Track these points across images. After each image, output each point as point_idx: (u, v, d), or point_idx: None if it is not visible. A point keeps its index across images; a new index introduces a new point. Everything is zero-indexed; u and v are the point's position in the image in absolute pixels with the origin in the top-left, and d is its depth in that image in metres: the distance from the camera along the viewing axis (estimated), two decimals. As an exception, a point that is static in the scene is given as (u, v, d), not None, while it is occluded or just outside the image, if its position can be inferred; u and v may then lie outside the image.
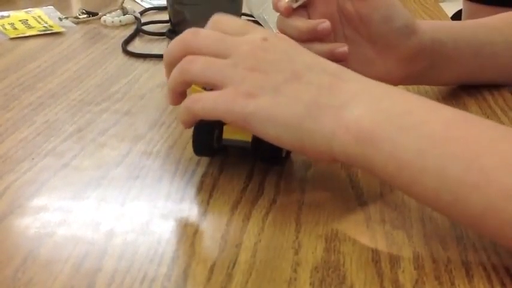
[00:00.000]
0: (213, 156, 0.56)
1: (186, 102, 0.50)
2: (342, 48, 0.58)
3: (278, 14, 0.60)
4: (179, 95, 0.52)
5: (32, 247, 0.44)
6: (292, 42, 0.51)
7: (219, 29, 0.51)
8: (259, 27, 0.52)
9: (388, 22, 0.59)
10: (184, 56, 0.50)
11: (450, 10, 1.18)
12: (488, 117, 0.65)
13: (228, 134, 0.53)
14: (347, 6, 0.60)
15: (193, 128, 0.52)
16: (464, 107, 0.67)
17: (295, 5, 0.59)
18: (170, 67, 0.52)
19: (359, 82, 0.47)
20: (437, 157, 0.41)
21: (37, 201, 0.49)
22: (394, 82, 0.62)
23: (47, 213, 0.48)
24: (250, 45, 0.48)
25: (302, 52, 0.49)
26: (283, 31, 0.60)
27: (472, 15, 0.96)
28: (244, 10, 0.96)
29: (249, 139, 0.52)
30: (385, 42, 0.60)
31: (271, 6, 0.61)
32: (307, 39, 0.58)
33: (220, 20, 0.52)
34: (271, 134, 0.46)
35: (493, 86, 0.71)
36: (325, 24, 0.58)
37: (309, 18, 0.60)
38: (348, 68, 0.59)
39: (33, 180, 0.52)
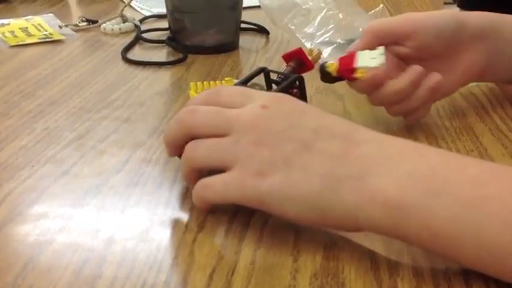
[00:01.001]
0: None
1: (197, 189, 0.47)
2: (435, 78, 0.61)
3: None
4: (196, 177, 0.48)
5: (32, 254, 0.44)
6: (294, 102, 0.48)
7: (216, 102, 0.48)
8: (259, 92, 0.49)
9: (437, 40, 0.62)
10: (184, 137, 0.48)
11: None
12: (486, 124, 0.65)
13: None
14: (400, 51, 0.62)
15: None
16: (463, 116, 0.68)
17: (379, 68, 0.59)
18: (172, 148, 0.50)
19: (371, 143, 0.44)
20: (472, 220, 0.39)
21: (37, 209, 0.49)
22: (479, 73, 0.65)
23: (46, 220, 0.48)
24: (250, 116, 0.46)
25: (306, 114, 0.46)
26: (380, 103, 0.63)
27: None
28: (263, 20, 0.97)
29: None
30: (448, 49, 0.63)
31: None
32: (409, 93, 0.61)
33: (217, 91, 0.50)
34: (290, 212, 0.44)
35: (492, 94, 0.72)
36: (418, 69, 0.61)
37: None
38: (441, 81, 0.61)
39: (33, 188, 0.53)
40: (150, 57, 0.88)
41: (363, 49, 0.61)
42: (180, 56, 0.86)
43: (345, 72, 0.60)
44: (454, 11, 0.66)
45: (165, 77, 0.81)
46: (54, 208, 0.50)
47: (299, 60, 0.65)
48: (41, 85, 0.76)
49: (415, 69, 0.61)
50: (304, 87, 0.60)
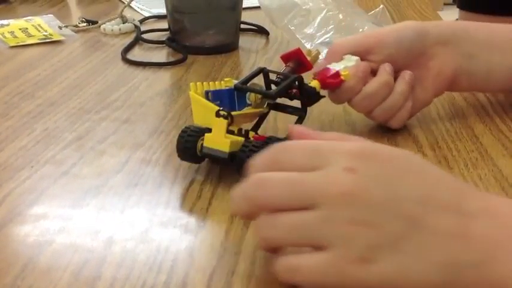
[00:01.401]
0: (199, 162, 0.56)
1: (281, 271, 0.39)
2: (407, 73, 0.63)
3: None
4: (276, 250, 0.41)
5: (32, 255, 0.44)
6: (380, 156, 0.40)
7: (283, 165, 0.40)
8: (331, 145, 0.41)
9: (400, 50, 0.63)
10: (255, 213, 0.40)
11: (448, 18, 1.18)
12: (486, 125, 0.65)
13: (208, 142, 0.53)
14: (371, 64, 0.63)
15: (178, 136, 0.54)
16: (463, 116, 0.68)
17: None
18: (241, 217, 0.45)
19: (487, 217, 0.38)
20: None
21: (37, 209, 0.49)
22: (452, 77, 0.65)
23: (46, 221, 0.48)
24: (338, 187, 0.38)
25: (403, 176, 0.39)
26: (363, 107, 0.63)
27: None
28: (262, 21, 0.97)
29: (227, 150, 0.52)
30: (413, 59, 0.63)
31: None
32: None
33: (281, 150, 0.41)
34: None
35: (492, 94, 0.72)
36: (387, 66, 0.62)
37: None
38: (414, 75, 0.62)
39: (32, 188, 0.53)
40: (150, 58, 0.88)
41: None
42: (180, 56, 0.86)
43: (331, 79, 0.61)
44: (418, 22, 0.66)
45: (165, 77, 0.81)
46: (53, 209, 0.50)
47: (298, 61, 0.65)
48: (41, 86, 0.76)
49: (387, 65, 0.62)
50: (305, 88, 0.60)
